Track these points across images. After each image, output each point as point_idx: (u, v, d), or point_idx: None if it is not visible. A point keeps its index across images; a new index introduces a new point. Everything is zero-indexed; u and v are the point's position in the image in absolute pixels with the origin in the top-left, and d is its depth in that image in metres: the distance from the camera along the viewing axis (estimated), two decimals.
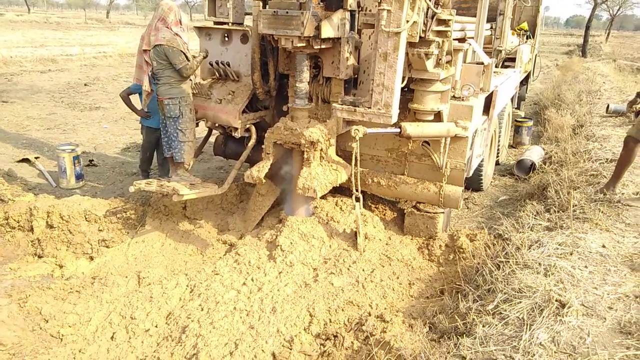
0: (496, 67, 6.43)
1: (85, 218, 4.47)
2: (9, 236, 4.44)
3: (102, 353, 3.12)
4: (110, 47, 20.95)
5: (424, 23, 3.40)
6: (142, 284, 3.82)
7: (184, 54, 4.13)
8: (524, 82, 9.49)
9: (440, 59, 3.79)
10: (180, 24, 4.22)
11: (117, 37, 25.18)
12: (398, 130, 3.87)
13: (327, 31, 3.71)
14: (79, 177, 5.83)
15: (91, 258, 4.30)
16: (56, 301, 3.56)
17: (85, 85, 13.09)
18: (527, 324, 2.51)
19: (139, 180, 4.43)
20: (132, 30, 30.58)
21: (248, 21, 4.59)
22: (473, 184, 5.75)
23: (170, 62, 4.07)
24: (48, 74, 14.56)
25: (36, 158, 6.60)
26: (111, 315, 3.42)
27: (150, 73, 4.38)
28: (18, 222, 4.49)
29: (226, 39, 4.69)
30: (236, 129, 4.50)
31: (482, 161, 5.40)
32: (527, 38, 8.82)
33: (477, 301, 2.96)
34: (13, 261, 4.16)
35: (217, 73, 4.71)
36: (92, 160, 6.73)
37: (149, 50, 4.15)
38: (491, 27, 6.81)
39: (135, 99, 5.38)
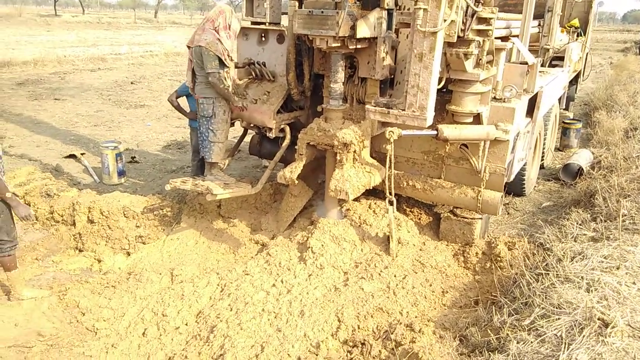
0: (543, 66, 6.15)
1: (124, 214, 4.60)
2: (53, 230, 4.63)
3: (133, 349, 3.19)
4: (157, 46, 21.63)
5: (462, 22, 3.26)
6: (174, 281, 3.89)
7: (220, 59, 4.12)
8: (574, 81, 9.03)
9: (480, 59, 3.63)
10: (229, 28, 4.23)
11: (164, 36, 25.97)
12: (435, 132, 3.75)
13: (363, 31, 3.63)
14: (121, 173, 6.02)
15: (128, 254, 4.42)
16: (93, 295, 3.68)
17: (131, 83, 13.55)
18: (565, 343, 2.36)
19: (175, 179, 4.51)
20: (179, 30, 31.45)
21: (285, 21, 4.57)
22: (515, 188, 5.51)
23: (203, 63, 4.10)
24: (97, 72, 15.18)
25: (82, 154, 6.87)
26: (144, 311, 3.49)
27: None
28: (62, 217, 4.68)
29: (263, 38, 4.70)
30: (271, 129, 4.50)
31: (524, 165, 5.17)
32: (577, 35, 8.37)
33: (513, 315, 2.82)
34: (56, 254, 4.34)
35: (253, 73, 4.72)
36: (134, 157, 6.93)
37: (191, 48, 4.19)
38: (539, 25, 6.51)
39: (183, 102, 5.34)
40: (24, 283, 3.68)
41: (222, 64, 4.14)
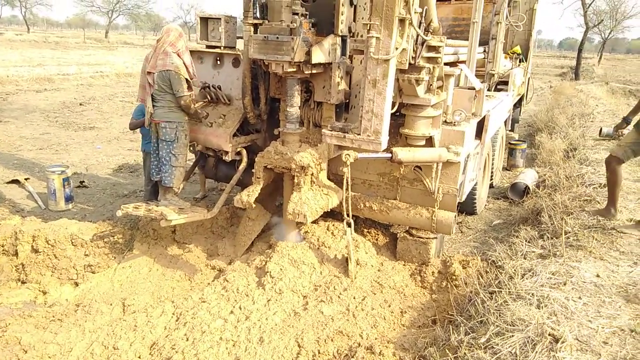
0: (489, 90, 6.46)
1: (72, 242, 4.39)
2: None
3: None
4: (108, 67, 21.06)
5: (413, 50, 3.40)
6: (127, 311, 3.73)
7: (188, 82, 4.12)
8: (518, 104, 9.54)
9: (431, 85, 3.78)
10: (187, 49, 4.22)
11: (115, 56, 25.36)
12: (389, 155, 3.84)
13: (318, 56, 3.70)
14: (68, 199, 5.75)
15: (76, 284, 4.21)
16: (37, 330, 3.45)
17: (80, 104, 13.09)
18: None
19: (128, 204, 4.36)
20: (131, 50, 30.83)
21: (240, 45, 4.59)
22: (467, 207, 5.71)
23: (172, 88, 4.05)
24: (44, 93, 14.56)
25: (26, 179, 6.52)
26: (93, 345, 3.31)
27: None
28: (2, 247, 4.40)
29: (218, 62, 4.69)
30: (227, 152, 4.46)
31: (475, 185, 5.37)
32: (519, 61, 8.88)
33: (469, 333, 2.88)
34: None
35: (208, 96, 4.69)
36: (83, 181, 6.65)
37: (153, 73, 4.12)
38: (484, 51, 6.86)
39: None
40: None
41: (189, 87, 4.12)
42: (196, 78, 4.35)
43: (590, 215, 4.52)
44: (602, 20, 32.04)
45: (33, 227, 4.50)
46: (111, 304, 3.78)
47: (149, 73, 4.17)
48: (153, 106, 4.20)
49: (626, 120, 4.78)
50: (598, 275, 3.39)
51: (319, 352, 3.24)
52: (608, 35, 36.56)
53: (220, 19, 4.44)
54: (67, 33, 56.89)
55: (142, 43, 42.40)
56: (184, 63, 4.13)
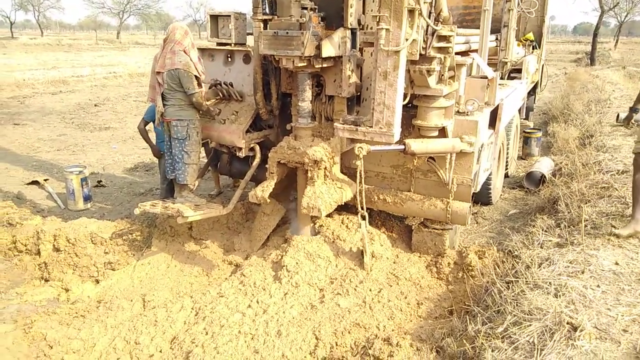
0: (502, 79, 6.39)
1: (92, 241, 4.48)
2: (17, 260, 4.46)
3: None
4: (120, 67, 21.30)
5: (424, 40, 3.38)
6: (147, 307, 3.80)
7: (197, 79, 4.16)
8: (532, 92, 9.40)
9: (442, 75, 3.75)
10: (194, 46, 4.25)
11: (127, 57, 25.59)
12: (402, 147, 3.83)
13: (328, 50, 3.70)
14: (86, 198, 5.87)
15: (97, 281, 4.29)
16: (61, 326, 3.55)
17: (95, 105, 13.28)
18: (537, 349, 2.43)
19: (145, 202, 4.43)
20: (142, 50, 31.07)
21: (250, 41, 4.61)
22: (482, 198, 5.66)
23: (183, 86, 4.09)
24: (59, 95, 14.81)
25: (45, 180, 6.66)
26: (115, 340, 3.39)
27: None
28: (25, 246, 4.52)
29: (229, 59, 4.72)
30: (240, 148, 4.50)
31: (490, 175, 5.32)
32: (533, 48, 8.75)
33: (486, 323, 2.88)
34: (20, 285, 4.16)
35: (220, 93, 4.72)
36: (101, 181, 6.77)
37: (162, 73, 4.17)
38: (496, 39, 6.78)
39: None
40: None
41: (198, 84, 4.16)
42: (205, 75, 4.37)
43: (615, 237, 3.80)
44: (618, 3, 31.28)
45: (54, 226, 4.61)
46: (132, 300, 3.85)
47: (158, 73, 4.22)
48: (164, 105, 4.24)
49: (634, 110, 4.41)
50: (617, 263, 3.36)
51: (336, 344, 3.27)
52: (624, 19, 35.72)
53: (230, 16, 4.45)
54: (80, 35, 57.55)
55: (153, 43, 42.69)
56: (191, 60, 4.16)
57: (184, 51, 4.14)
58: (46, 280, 4.25)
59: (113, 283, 4.29)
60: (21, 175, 6.98)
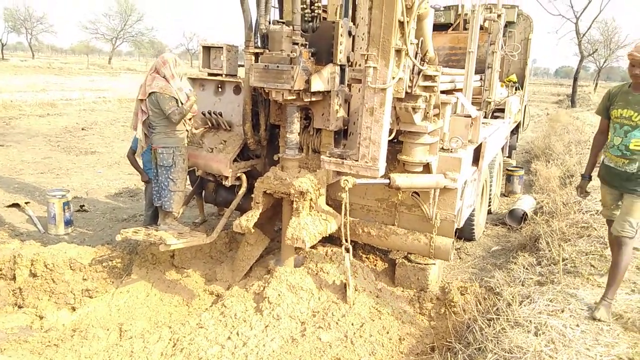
0: (485, 118, 6.57)
1: (70, 267, 4.39)
2: None
3: None
4: (110, 92, 21.35)
5: (410, 79, 3.49)
6: (123, 337, 3.71)
7: (176, 99, 4.18)
8: (515, 131, 9.66)
9: (427, 112, 3.86)
10: (173, 77, 4.28)
11: (118, 82, 25.71)
12: (387, 181, 3.88)
13: (317, 85, 3.79)
14: (68, 223, 5.77)
15: (73, 309, 4.18)
16: (32, 356, 3.44)
17: (82, 129, 13.22)
18: None
19: (127, 228, 4.38)
20: (133, 76, 31.29)
21: (241, 73, 4.70)
22: (465, 233, 5.72)
23: (161, 108, 4.11)
24: (46, 118, 14.73)
25: (26, 203, 6.55)
26: None
27: (144, 121, 4.42)
28: (0, 270, 4.39)
29: (219, 89, 4.79)
30: (227, 177, 4.51)
31: (473, 211, 5.40)
32: (516, 89, 9.05)
33: None
34: None
35: (209, 122, 4.77)
36: (83, 205, 6.68)
37: (145, 100, 4.21)
38: (480, 79, 7.01)
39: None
40: None
41: (178, 104, 4.19)
42: (188, 104, 4.33)
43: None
44: (597, 49, 32.67)
45: (32, 251, 4.50)
46: (108, 329, 3.76)
47: (140, 100, 4.27)
48: (150, 132, 4.26)
49: (586, 178, 3.78)
50: (596, 303, 3.39)
51: None
52: (603, 64, 37.19)
53: (222, 47, 4.56)
54: (71, 59, 57.75)
55: (144, 69, 43.03)
56: (171, 85, 4.17)
57: (164, 78, 4.18)
58: (20, 307, 4.13)
59: (90, 311, 4.18)
60: (1, 197, 6.86)
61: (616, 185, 3.41)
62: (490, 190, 6.55)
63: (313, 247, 4.48)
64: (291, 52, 3.69)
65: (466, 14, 8.21)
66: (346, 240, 3.99)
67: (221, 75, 4.68)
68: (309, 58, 3.92)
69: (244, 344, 3.52)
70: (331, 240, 4.66)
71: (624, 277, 3.44)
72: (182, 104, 4.17)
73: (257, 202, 4.18)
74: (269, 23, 4.33)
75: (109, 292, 4.39)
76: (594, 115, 18.72)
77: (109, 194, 7.47)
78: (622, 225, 3.29)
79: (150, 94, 4.13)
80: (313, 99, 3.94)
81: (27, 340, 3.62)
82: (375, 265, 4.80)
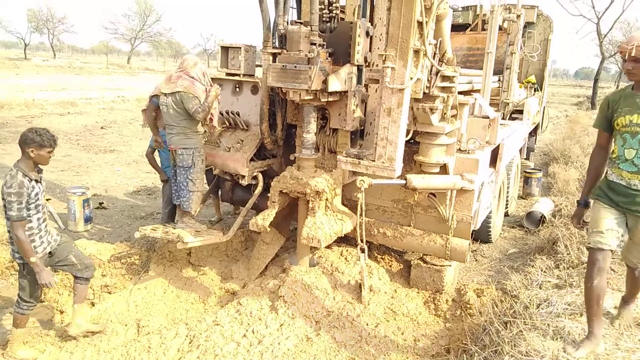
0: (503, 119, 6.50)
1: None
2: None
3: None
4: (129, 92, 21.67)
5: (428, 79, 3.47)
6: (141, 332, 3.77)
7: (199, 100, 4.22)
8: (533, 133, 9.53)
9: (445, 113, 3.84)
10: (204, 76, 4.34)
11: (137, 82, 26.08)
12: (404, 182, 3.87)
13: (334, 85, 3.80)
14: (87, 220, 5.89)
15: (92, 304, 4.26)
16: (53, 348, 3.50)
17: (101, 128, 13.45)
18: None
19: (145, 226, 4.44)
20: (151, 76, 31.69)
21: (259, 72, 4.73)
22: (481, 236, 5.67)
23: (185, 106, 4.14)
24: (67, 117, 15.02)
25: (47, 200, 6.68)
26: None
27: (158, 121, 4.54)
28: None
29: (237, 89, 4.83)
30: (243, 176, 4.55)
31: (490, 213, 5.35)
32: (534, 91, 8.92)
33: None
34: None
35: (227, 122, 4.81)
36: (102, 202, 6.80)
37: (164, 96, 4.25)
38: (499, 80, 6.93)
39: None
40: (22, 343, 3.50)
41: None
42: (211, 100, 4.38)
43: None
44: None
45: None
46: (126, 325, 3.82)
47: (157, 96, 4.36)
48: (168, 133, 4.31)
49: (583, 204, 3.17)
50: (616, 307, 3.34)
51: None
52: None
53: (240, 48, 4.60)
54: (91, 59, 58.79)
55: (162, 69, 43.59)
56: (195, 86, 4.24)
57: (192, 78, 4.23)
58: (41, 302, 4.21)
59: (108, 306, 4.25)
60: None
61: (626, 207, 2.78)
62: (508, 193, 6.47)
63: (328, 246, 4.49)
64: (309, 53, 3.71)
65: (485, 15, 8.13)
66: (361, 241, 3.98)
67: (239, 75, 4.72)
68: (327, 58, 3.93)
69: (259, 341, 3.55)
70: (346, 240, 4.67)
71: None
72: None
73: (273, 201, 4.20)
74: (287, 23, 4.36)
75: (127, 288, 4.46)
76: None
77: (128, 192, 7.59)
78: None
79: (174, 93, 4.16)
80: (330, 99, 3.95)
81: (48, 334, 3.70)
82: (390, 266, 4.79)
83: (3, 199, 3.13)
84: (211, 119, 4.40)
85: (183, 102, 4.12)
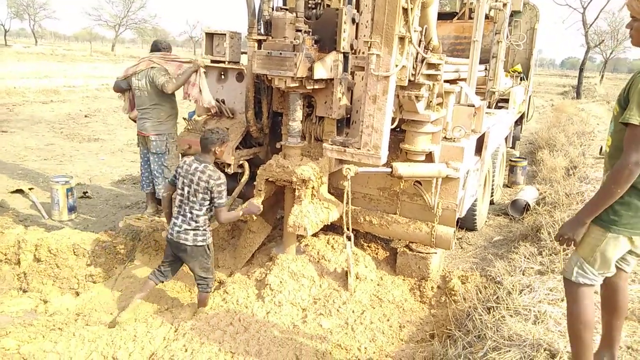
0: (489, 108, 6.53)
1: (74, 252, 4.42)
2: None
3: None
4: (113, 80, 21.27)
5: (413, 67, 3.47)
6: (126, 321, 3.74)
7: (170, 75, 4.21)
8: (519, 122, 9.61)
9: (430, 101, 3.84)
10: (180, 66, 4.30)
11: (121, 69, 25.62)
12: (389, 170, 3.89)
13: (320, 72, 3.78)
14: (71, 209, 5.81)
15: (77, 293, 4.22)
16: (37, 339, 3.47)
17: (85, 116, 13.23)
18: None
19: (130, 215, 4.41)
20: None
21: (244, 60, 4.68)
22: (467, 223, 5.73)
23: (156, 82, 4.10)
24: (50, 105, 14.74)
25: (30, 189, 6.58)
26: (92, 354, 3.31)
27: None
28: (5, 255, 4.44)
29: (222, 76, 4.78)
30: (229, 165, 4.52)
31: (475, 201, 5.40)
32: (520, 80, 8.98)
33: (467, 348, 2.89)
34: None
35: (211, 110, 4.76)
36: (86, 192, 6.71)
37: (135, 75, 4.20)
38: (485, 69, 6.96)
39: None
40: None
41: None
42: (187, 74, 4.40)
43: None
44: (603, 40, 32.33)
45: (36, 236, 4.54)
46: (111, 314, 3.80)
47: (129, 77, 4.33)
48: (141, 118, 4.27)
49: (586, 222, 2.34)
50: (596, 292, 3.40)
51: None
52: (609, 55, 36.86)
53: (225, 34, 4.54)
54: (75, 46, 57.58)
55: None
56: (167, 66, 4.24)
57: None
58: (24, 291, 4.17)
59: (93, 296, 4.22)
60: (5, 183, 6.89)
61: None
62: (493, 181, 6.54)
63: (315, 235, 4.50)
64: (294, 39, 3.68)
65: (471, 3, 8.12)
66: (348, 229, 4.00)
67: (224, 62, 4.67)
68: (312, 45, 3.90)
69: (245, 329, 3.55)
70: (333, 228, 4.68)
71: None
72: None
73: (259, 190, 4.19)
74: (272, 10, 4.31)
75: (112, 277, 4.43)
76: (599, 106, 18.57)
77: (112, 181, 7.50)
78: None
79: (147, 69, 4.09)
80: (316, 86, 3.93)
81: (31, 323, 3.66)
82: (376, 253, 4.82)
83: (210, 190, 3.46)
84: (191, 95, 4.36)
85: (154, 78, 4.08)
